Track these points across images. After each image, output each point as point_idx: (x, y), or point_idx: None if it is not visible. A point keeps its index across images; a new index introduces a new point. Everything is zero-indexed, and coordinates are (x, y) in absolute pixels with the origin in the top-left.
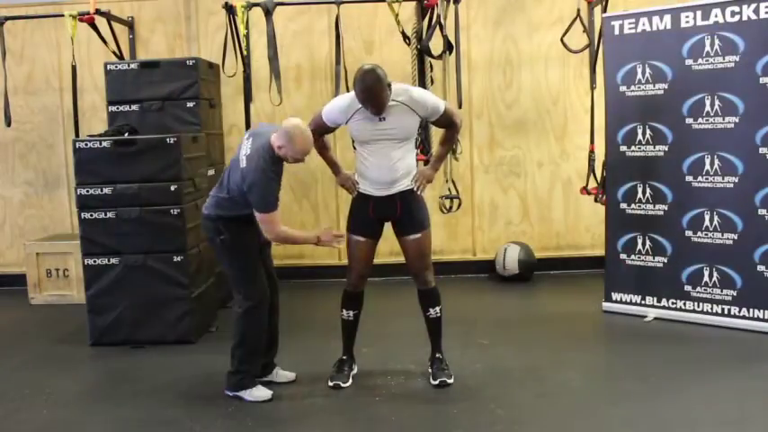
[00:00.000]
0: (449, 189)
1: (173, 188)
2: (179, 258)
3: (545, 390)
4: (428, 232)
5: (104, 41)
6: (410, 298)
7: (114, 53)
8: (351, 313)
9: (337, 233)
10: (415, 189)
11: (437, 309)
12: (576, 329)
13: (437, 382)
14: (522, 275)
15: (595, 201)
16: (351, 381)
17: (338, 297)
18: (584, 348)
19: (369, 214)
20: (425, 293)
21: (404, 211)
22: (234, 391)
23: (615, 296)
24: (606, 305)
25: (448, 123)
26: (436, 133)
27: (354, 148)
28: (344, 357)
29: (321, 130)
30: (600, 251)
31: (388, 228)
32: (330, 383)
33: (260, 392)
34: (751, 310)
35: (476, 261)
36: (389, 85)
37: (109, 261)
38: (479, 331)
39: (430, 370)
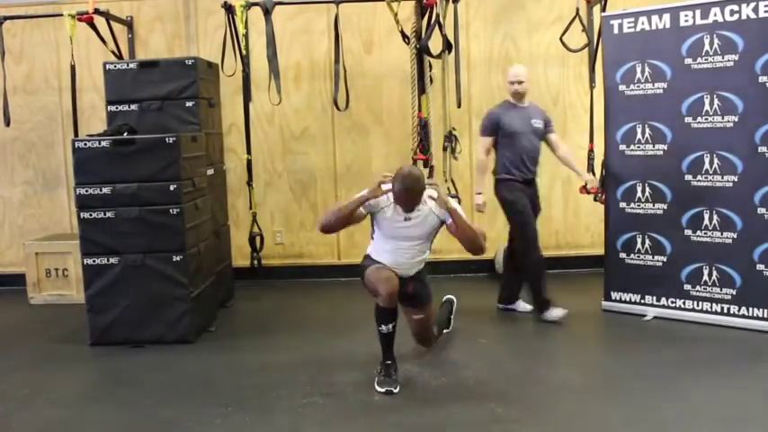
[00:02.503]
0: (448, 188)
1: (172, 188)
2: (178, 258)
3: (544, 389)
4: (432, 306)
5: (103, 41)
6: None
7: (113, 53)
8: (390, 326)
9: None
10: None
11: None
12: (575, 328)
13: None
14: None
15: (595, 200)
16: (398, 384)
17: (338, 296)
18: (584, 347)
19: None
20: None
21: (415, 290)
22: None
23: (614, 295)
24: (605, 304)
25: (464, 229)
26: (436, 133)
27: (372, 237)
28: (389, 362)
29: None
30: (599, 250)
31: None
32: (380, 389)
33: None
34: (750, 308)
35: (475, 260)
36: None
37: (108, 261)
38: (478, 331)
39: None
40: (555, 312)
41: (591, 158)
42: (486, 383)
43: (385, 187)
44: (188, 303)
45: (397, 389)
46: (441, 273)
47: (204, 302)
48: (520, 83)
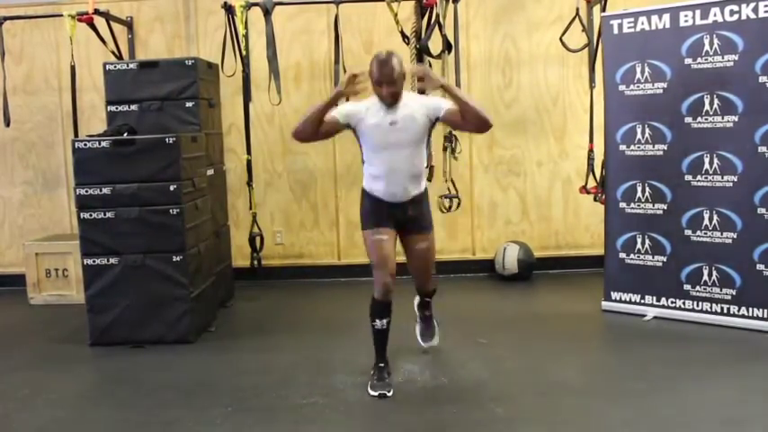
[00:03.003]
0: (448, 188)
1: (172, 188)
2: (178, 258)
3: (544, 389)
4: (433, 237)
5: (103, 41)
6: (410, 297)
7: (113, 53)
8: (384, 321)
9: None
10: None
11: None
12: (575, 329)
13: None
14: (521, 275)
15: (595, 200)
16: (392, 389)
17: (338, 296)
18: (584, 347)
19: (383, 212)
20: (426, 303)
21: (414, 214)
22: None
23: (614, 295)
24: (605, 304)
25: (457, 111)
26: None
27: (363, 161)
28: (382, 364)
29: (324, 128)
30: (599, 250)
31: None
32: (374, 393)
33: None
34: (750, 308)
35: (475, 260)
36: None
37: (108, 261)
38: (478, 331)
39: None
40: None
41: (591, 158)
42: (486, 383)
43: (358, 79)
44: (188, 303)
45: (391, 392)
46: (440, 273)
47: (204, 302)
48: None
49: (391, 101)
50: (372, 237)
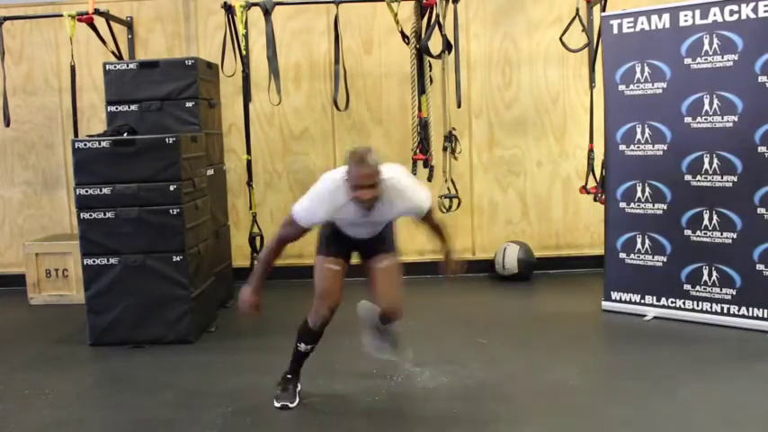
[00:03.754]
0: (448, 188)
1: (172, 188)
2: (178, 258)
3: (544, 389)
4: (397, 258)
5: (103, 41)
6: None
7: (113, 53)
8: (310, 347)
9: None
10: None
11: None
12: (575, 328)
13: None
14: (521, 274)
15: (595, 200)
16: (297, 399)
17: None
18: (584, 347)
19: (341, 242)
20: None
21: (376, 241)
22: None
23: (614, 295)
24: (605, 304)
25: (433, 225)
26: (436, 133)
27: None
28: (290, 376)
29: (292, 238)
30: (599, 250)
31: None
32: (277, 404)
33: None
34: (750, 308)
35: (475, 260)
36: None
37: (108, 261)
38: (479, 330)
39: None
40: None
41: (591, 158)
42: (487, 383)
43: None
44: (188, 303)
45: (295, 403)
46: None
47: (204, 303)
48: None
49: (370, 205)
50: (324, 264)
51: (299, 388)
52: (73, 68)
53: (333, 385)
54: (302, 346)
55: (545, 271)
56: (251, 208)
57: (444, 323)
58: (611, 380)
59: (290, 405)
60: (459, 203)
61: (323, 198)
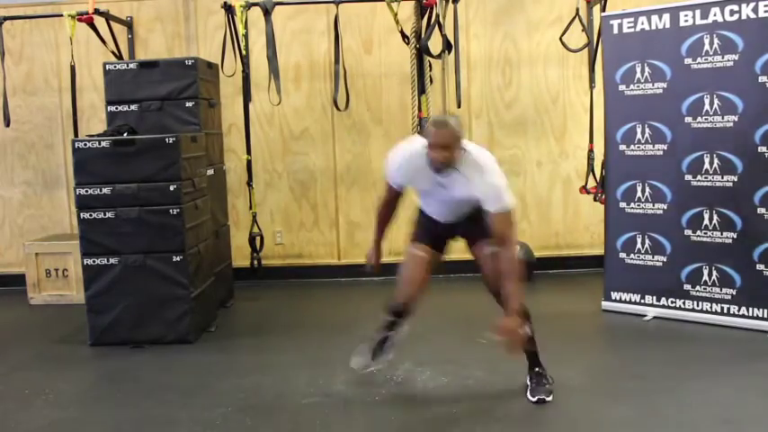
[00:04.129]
0: None
1: (172, 188)
2: (178, 258)
3: None
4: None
5: (103, 41)
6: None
7: (113, 53)
8: (394, 319)
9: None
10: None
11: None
12: (575, 328)
13: (535, 399)
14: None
15: (595, 200)
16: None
17: (338, 296)
18: (584, 347)
19: (434, 229)
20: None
21: (471, 226)
22: None
23: (614, 295)
24: (605, 304)
25: (498, 233)
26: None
27: None
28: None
29: (388, 198)
30: (599, 250)
31: None
32: (354, 361)
33: None
34: (750, 308)
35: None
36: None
37: (108, 261)
38: (478, 330)
39: (528, 383)
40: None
41: (591, 158)
42: (486, 383)
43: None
44: (188, 303)
45: (369, 366)
46: (441, 272)
47: (204, 302)
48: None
49: (441, 166)
50: (410, 250)
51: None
52: (73, 68)
53: (333, 385)
54: (387, 318)
55: (545, 271)
56: (251, 208)
57: (444, 323)
58: (611, 380)
59: (365, 365)
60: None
61: (403, 155)
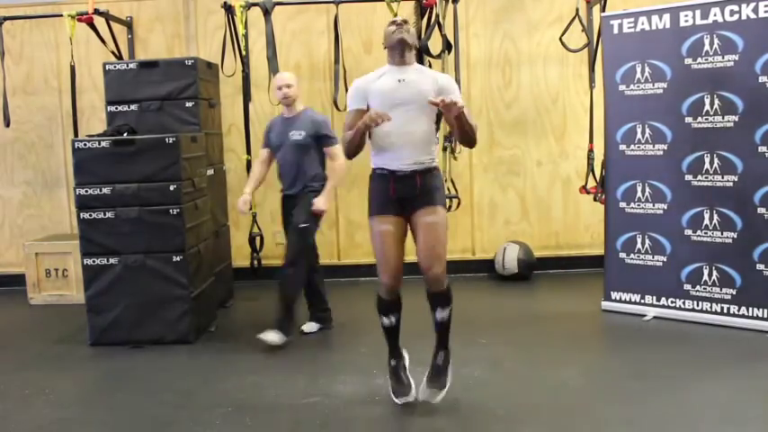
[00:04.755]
0: (448, 188)
1: (172, 188)
2: (178, 258)
3: (544, 389)
4: (444, 214)
5: (103, 41)
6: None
7: (113, 53)
8: (392, 318)
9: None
10: (438, 102)
11: (448, 310)
12: (575, 328)
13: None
14: (521, 275)
15: (594, 200)
16: (413, 386)
17: (338, 296)
18: (584, 347)
19: (389, 193)
20: (438, 296)
21: (423, 186)
22: None
23: (614, 295)
24: (605, 304)
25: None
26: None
27: (369, 136)
28: (393, 362)
29: (351, 133)
30: (599, 250)
31: None
32: (398, 401)
33: None
34: (750, 308)
35: (475, 260)
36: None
37: (108, 261)
38: (478, 330)
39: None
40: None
41: (591, 158)
42: (487, 383)
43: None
44: (188, 303)
45: (412, 395)
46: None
47: (204, 302)
48: (287, 86)
49: (401, 47)
50: (377, 228)
51: (407, 370)
52: (73, 68)
53: (333, 385)
54: (384, 320)
55: (545, 271)
56: (251, 208)
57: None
58: (611, 380)
59: (410, 398)
60: (459, 203)
61: (356, 84)
